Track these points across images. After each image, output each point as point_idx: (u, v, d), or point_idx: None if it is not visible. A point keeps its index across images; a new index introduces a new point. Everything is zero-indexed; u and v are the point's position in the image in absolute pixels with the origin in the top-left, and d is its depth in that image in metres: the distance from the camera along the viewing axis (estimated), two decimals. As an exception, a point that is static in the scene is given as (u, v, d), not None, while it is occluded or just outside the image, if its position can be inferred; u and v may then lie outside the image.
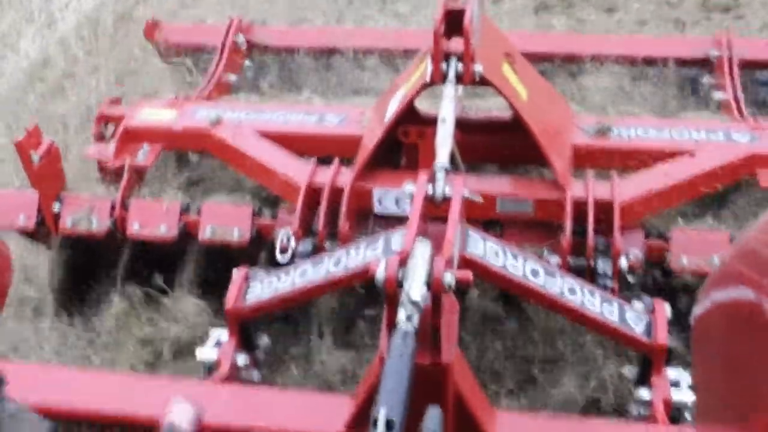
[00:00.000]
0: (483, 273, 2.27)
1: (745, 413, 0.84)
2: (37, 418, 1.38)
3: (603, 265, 2.68)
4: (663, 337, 2.29)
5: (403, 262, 1.78)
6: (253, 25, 4.07)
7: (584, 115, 3.31)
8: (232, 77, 3.89)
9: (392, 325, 1.71)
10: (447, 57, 2.66)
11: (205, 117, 3.32)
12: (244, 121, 3.31)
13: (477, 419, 1.98)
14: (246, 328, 2.54)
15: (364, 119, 3.21)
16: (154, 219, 3.00)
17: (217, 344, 2.52)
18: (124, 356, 3.02)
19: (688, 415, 2.24)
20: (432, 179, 2.18)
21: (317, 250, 2.79)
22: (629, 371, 2.56)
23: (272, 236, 2.90)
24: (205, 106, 3.47)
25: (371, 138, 2.96)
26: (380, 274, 1.76)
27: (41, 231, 3.10)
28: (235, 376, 2.47)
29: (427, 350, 1.81)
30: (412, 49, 3.53)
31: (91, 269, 3.23)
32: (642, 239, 2.79)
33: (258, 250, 2.95)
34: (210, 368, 2.47)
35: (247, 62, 4.00)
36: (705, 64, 3.70)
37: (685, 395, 2.25)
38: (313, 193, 2.88)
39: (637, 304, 2.41)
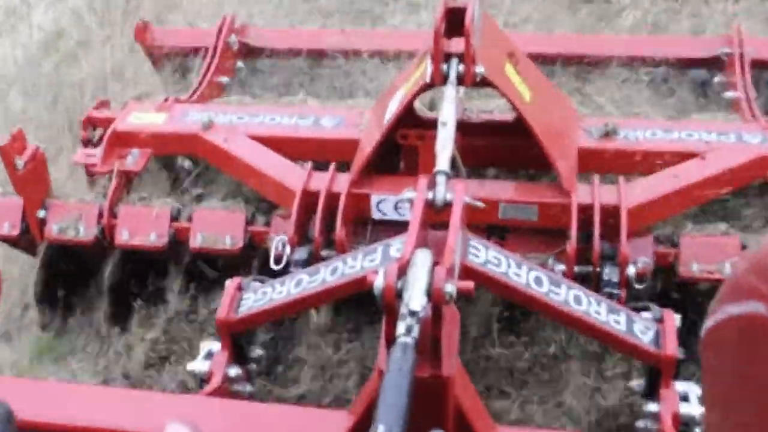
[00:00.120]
0: (485, 282, 2.20)
1: (757, 430, 0.84)
2: None
3: (610, 273, 2.60)
4: (672, 348, 2.22)
5: (403, 271, 1.73)
6: (246, 26, 3.99)
7: (590, 117, 3.23)
8: (225, 79, 3.80)
9: (391, 336, 1.66)
10: (448, 57, 2.58)
11: (196, 120, 3.23)
12: (237, 124, 3.22)
13: (478, 434, 1.92)
14: (238, 340, 2.47)
15: (362, 122, 3.14)
16: (143, 226, 2.92)
17: (208, 356, 2.44)
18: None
19: (697, 430, 2.17)
20: (432, 184, 2.11)
21: (313, 257, 2.71)
22: (636, 384, 2.47)
23: (266, 243, 2.82)
24: (197, 108, 3.37)
25: (369, 141, 2.88)
26: (378, 283, 1.71)
27: (25, 239, 3.02)
28: (227, 389, 2.40)
29: (427, 363, 1.75)
30: (410, 50, 3.46)
31: (78, 278, 3.15)
32: (651, 245, 2.70)
33: (250, 258, 2.88)
34: (202, 380, 2.40)
35: (239, 64, 3.91)
36: (715, 63, 3.61)
37: (694, 409, 2.18)
38: (308, 199, 2.80)
39: (646, 314, 2.34)
